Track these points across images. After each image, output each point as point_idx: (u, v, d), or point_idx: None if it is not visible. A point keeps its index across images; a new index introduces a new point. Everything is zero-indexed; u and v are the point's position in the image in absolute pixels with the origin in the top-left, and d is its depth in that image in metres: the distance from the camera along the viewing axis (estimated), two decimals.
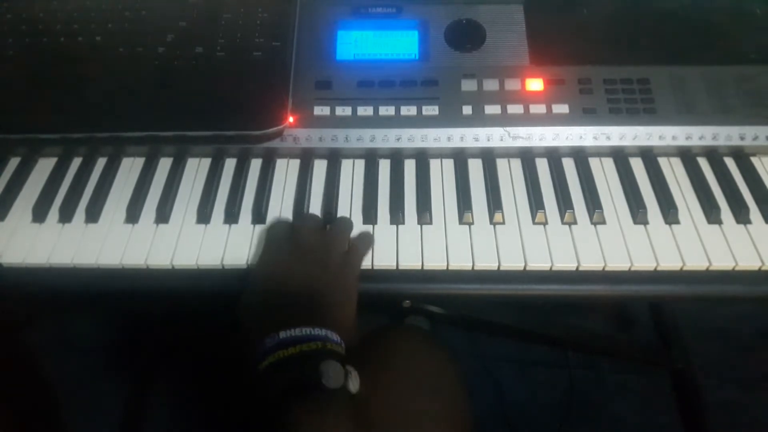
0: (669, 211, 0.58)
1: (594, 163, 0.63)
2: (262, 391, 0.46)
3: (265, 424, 0.46)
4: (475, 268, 0.55)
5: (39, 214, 0.60)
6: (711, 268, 0.55)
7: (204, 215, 0.59)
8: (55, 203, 0.60)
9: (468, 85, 0.64)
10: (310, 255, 0.53)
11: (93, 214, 0.59)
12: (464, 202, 0.59)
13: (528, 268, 0.55)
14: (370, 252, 0.56)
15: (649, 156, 0.63)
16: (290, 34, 0.65)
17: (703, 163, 0.63)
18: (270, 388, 0.45)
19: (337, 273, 0.52)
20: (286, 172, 0.63)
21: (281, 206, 0.60)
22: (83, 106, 0.62)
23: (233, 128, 0.60)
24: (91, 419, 1.05)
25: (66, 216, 0.60)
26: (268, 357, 0.45)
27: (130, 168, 0.64)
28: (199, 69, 0.63)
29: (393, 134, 0.62)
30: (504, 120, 0.62)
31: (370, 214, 0.59)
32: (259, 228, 0.58)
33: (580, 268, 0.55)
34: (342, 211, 0.59)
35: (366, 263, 0.56)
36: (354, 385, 0.46)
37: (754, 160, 0.63)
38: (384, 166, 0.63)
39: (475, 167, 0.63)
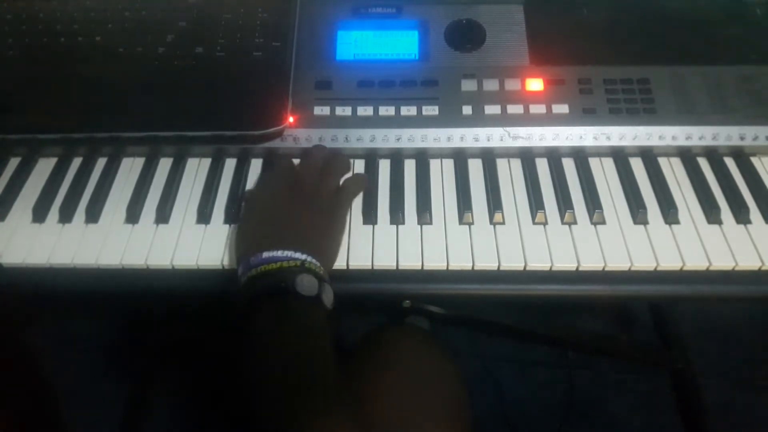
0: (669, 211, 0.58)
1: (594, 163, 0.63)
2: (244, 301, 0.49)
3: (242, 329, 0.49)
4: (475, 268, 0.55)
5: (39, 214, 0.60)
6: (711, 268, 0.55)
7: (204, 215, 0.59)
8: (55, 203, 0.60)
9: (468, 85, 0.64)
10: (302, 188, 0.56)
11: (93, 215, 0.59)
12: (464, 202, 0.59)
13: (528, 268, 0.55)
14: (361, 193, 0.60)
15: (649, 156, 0.63)
16: (290, 34, 0.65)
17: (703, 163, 0.63)
18: (248, 295, 0.49)
19: (325, 207, 0.56)
20: None
21: None
22: (83, 106, 0.62)
23: (233, 128, 0.60)
24: (91, 419, 1.05)
25: (66, 216, 0.60)
26: (250, 271, 0.49)
27: (130, 168, 0.64)
28: (199, 69, 0.63)
29: (393, 134, 0.62)
30: (504, 120, 0.62)
31: (370, 214, 0.59)
32: None
33: (580, 268, 0.55)
34: None
35: (366, 263, 0.56)
36: (328, 299, 0.49)
37: (754, 160, 0.63)
38: (384, 166, 0.63)
39: (475, 167, 0.63)
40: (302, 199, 0.56)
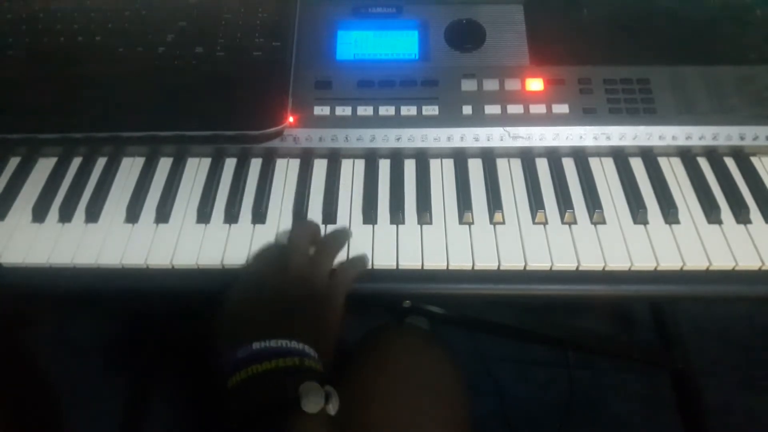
0: (669, 211, 0.58)
1: (594, 163, 0.63)
2: (235, 408, 0.42)
3: None
4: (475, 268, 0.55)
5: (39, 214, 0.60)
6: (711, 268, 0.55)
7: (204, 215, 0.59)
8: (55, 203, 0.60)
9: (468, 85, 0.64)
10: (294, 271, 0.51)
11: (93, 214, 0.59)
12: (464, 202, 0.59)
13: (528, 268, 0.55)
14: (365, 262, 0.55)
15: (649, 156, 0.63)
16: (290, 34, 0.65)
17: (703, 163, 0.63)
18: (245, 406, 0.42)
19: (320, 292, 0.50)
20: (286, 172, 0.63)
21: (281, 206, 0.60)
22: (83, 106, 0.62)
23: (233, 128, 0.60)
24: (91, 419, 1.05)
25: (66, 216, 0.60)
26: (240, 371, 0.42)
27: (130, 168, 0.64)
28: (199, 69, 0.63)
29: (393, 134, 0.62)
30: (504, 120, 0.62)
31: (370, 214, 0.59)
32: (260, 228, 0.58)
33: (580, 268, 0.55)
34: (342, 211, 0.59)
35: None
36: (334, 406, 0.42)
37: (754, 160, 0.63)
38: (384, 166, 0.63)
39: (475, 167, 0.63)
40: (292, 283, 0.50)
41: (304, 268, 0.51)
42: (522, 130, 0.62)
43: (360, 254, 0.55)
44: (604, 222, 0.58)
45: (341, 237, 0.56)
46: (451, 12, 0.67)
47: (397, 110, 0.62)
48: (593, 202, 0.59)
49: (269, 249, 0.55)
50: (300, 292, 0.49)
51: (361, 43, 0.67)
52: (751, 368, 1.12)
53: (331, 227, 0.58)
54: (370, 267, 0.56)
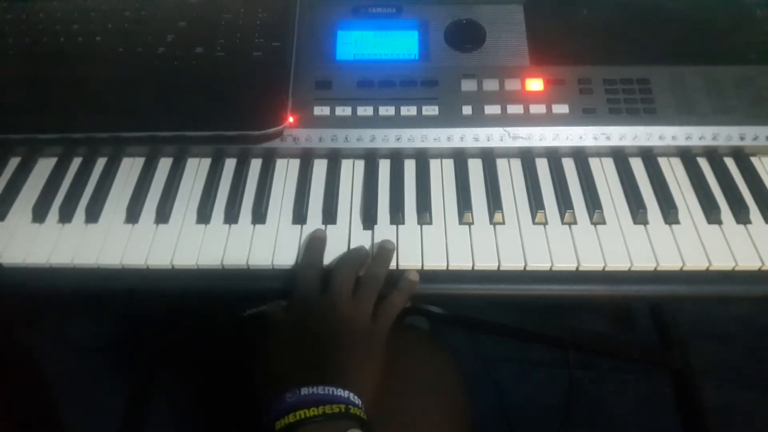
0: (669, 211, 0.58)
1: (594, 163, 0.63)
2: None
3: None
4: (475, 268, 0.55)
5: (39, 214, 0.60)
6: (711, 268, 0.55)
7: (204, 215, 0.59)
8: (55, 203, 0.60)
9: (468, 85, 0.64)
10: (339, 317, 0.51)
11: (93, 214, 0.59)
12: (464, 202, 0.59)
13: (528, 268, 0.55)
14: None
15: (649, 156, 0.63)
16: (290, 34, 0.65)
17: (703, 163, 0.63)
18: None
19: (365, 337, 0.51)
20: (286, 172, 0.63)
21: (281, 206, 0.60)
22: (83, 106, 0.62)
23: (233, 128, 0.60)
24: (91, 419, 1.05)
25: (66, 216, 0.60)
26: (287, 415, 0.43)
27: (130, 168, 0.64)
28: (199, 69, 0.63)
29: (393, 134, 0.62)
30: (504, 120, 0.62)
31: (370, 214, 0.59)
32: (260, 228, 0.58)
33: (580, 268, 0.55)
34: (342, 212, 0.59)
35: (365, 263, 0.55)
36: None
37: (754, 160, 0.63)
38: (384, 166, 0.63)
39: (475, 167, 0.63)
40: (338, 330, 0.50)
41: (349, 312, 0.51)
42: (522, 131, 0.62)
43: (403, 287, 0.54)
44: (604, 222, 0.58)
45: (384, 264, 0.54)
46: (451, 12, 0.67)
47: (397, 110, 0.62)
48: (593, 203, 0.59)
49: (312, 289, 0.53)
50: (345, 338, 0.50)
51: (361, 43, 0.67)
52: (751, 368, 1.12)
53: (331, 227, 0.58)
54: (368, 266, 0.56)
